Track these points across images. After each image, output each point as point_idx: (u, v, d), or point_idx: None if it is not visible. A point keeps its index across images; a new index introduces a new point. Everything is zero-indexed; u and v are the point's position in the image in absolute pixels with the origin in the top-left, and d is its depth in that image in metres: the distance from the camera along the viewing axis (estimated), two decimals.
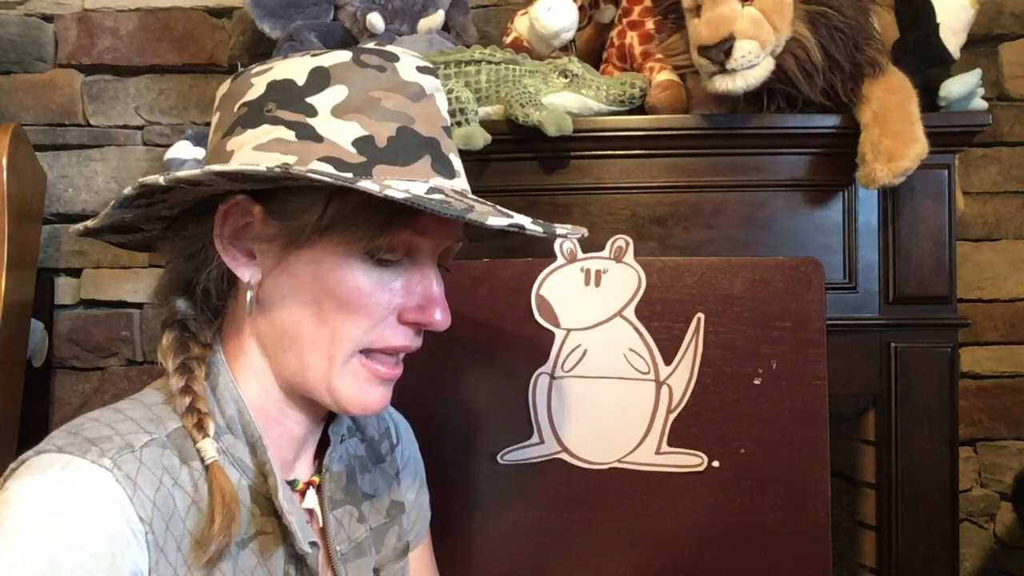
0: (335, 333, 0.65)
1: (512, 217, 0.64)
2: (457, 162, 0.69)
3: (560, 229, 0.67)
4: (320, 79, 0.65)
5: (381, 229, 0.63)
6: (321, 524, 0.74)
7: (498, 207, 0.67)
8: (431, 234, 0.67)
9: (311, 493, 0.73)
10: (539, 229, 0.65)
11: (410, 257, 0.68)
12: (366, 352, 0.68)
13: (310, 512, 0.73)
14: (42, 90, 1.56)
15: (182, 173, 0.60)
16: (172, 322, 0.69)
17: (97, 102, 1.57)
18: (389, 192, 0.58)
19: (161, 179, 0.60)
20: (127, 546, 0.57)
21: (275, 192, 0.64)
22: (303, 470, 0.74)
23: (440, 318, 0.68)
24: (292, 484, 0.72)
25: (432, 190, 0.63)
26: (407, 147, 0.65)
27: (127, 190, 0.62)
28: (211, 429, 0.64)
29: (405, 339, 0.68)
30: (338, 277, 0.64)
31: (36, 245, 1.45)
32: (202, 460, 0.63)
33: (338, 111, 0.64)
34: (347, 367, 0.67)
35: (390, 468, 0.85)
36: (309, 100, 0.64)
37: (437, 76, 0.70)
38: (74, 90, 1.57)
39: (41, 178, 1.49)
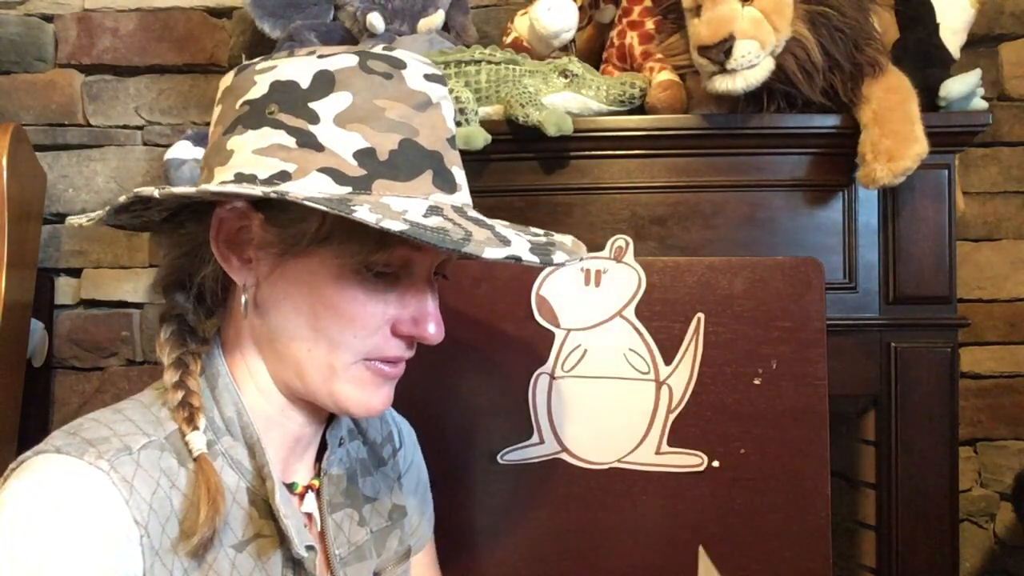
0: (332, 342, 0.65)
1: (509, 245, 0.63)
2: (460, 175, 0.68)
3: (558, 257, 0.65)
4: (324, 84, 0.63)
5: (378, 245, 0.63)
6: (320, 528, 0.73)
7: (497, 228, 0.65)
8: (428, 250, 0.66)
9: (310, 497, 0.73)
10: (536, 259, 0.63)
11: (406, 269, 0.67)
12: (365, 359, 0.68)
13: (309, 516, 0.73)
14: (42, 90, 1.56)
15: (177, 189, 0.61)
16: (170, 316, 0.70)
17: (97, 102, 1.57)
18: (385, 224, 0.57)
19: (156, 192, 0.60)
20: (121, 549, 0.56)
21: (273, 200, 0.63)
22: (304, 473, 0.74)
23: (433, 332, 0.68)
24: (291, 487, 0.71)
25: (431, 210, 0.62)
26: (409, 161, 0.64)
27: (121, 199, 0.62)
28: (202, 423, 0.64)
29: (399, 350, 0.68)
30: (334, 288, 0.64)
31: (36, 245, 1.45)
32: (190, 452, 0.62)
33: (341, 119, 0.63)
34: (349, 372, 0.67)
35: (392, 472, 0.85)
36: (312, 105, 0.63)
37: (445, 84, 0.69)
38: (74, 90, 1.57)
39: (41, 178, 1.49)
